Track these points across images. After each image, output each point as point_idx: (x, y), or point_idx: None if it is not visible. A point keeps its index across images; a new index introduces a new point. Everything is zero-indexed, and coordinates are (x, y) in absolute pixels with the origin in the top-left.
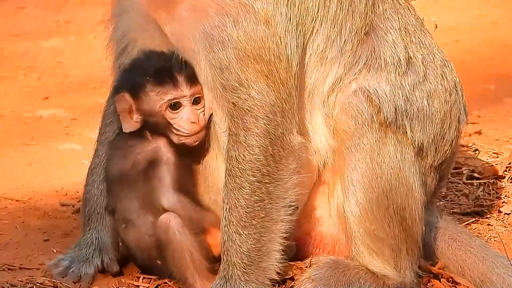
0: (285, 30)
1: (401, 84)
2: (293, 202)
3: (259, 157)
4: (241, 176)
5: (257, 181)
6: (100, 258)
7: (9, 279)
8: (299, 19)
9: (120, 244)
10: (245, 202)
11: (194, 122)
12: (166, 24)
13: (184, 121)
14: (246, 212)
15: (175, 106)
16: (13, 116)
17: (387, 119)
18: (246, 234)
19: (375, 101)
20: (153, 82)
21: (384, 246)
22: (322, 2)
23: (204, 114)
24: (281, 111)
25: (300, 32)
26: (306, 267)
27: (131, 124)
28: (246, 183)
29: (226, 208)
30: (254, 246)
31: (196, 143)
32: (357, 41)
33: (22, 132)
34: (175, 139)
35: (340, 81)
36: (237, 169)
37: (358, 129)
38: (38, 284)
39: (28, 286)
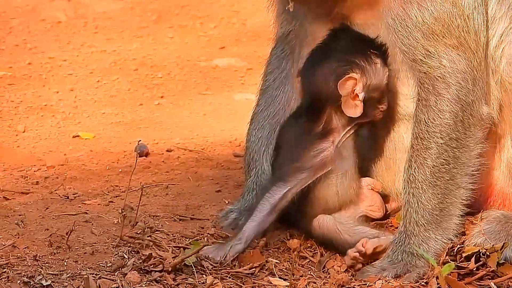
0: (473, 8)
1: None
2: (475, 171)
3: (448, 121)
4: (429, 139)
5: (444, 144)
6: None
7: (181, 230)
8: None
9: None
10: (432, 162)
11: None
12: (345, 11)
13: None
14: (432, 172)
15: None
16: (189, 65)
17: None
18: (431, 193)
19: None
20: (376, 53)
21: None
22: None
23: None
24: (473, 79)
25: (483, 6)
26: (477, 221)
27: (355, 109)
28: (434, 144)
29: (414, 167)
30: (437, 206)
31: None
32: None
33: (197, 81)
34: (374, 113)
35: (505, 35)
36: (425, 132)
37: None
38: (209, 235)
39: (199, 238)
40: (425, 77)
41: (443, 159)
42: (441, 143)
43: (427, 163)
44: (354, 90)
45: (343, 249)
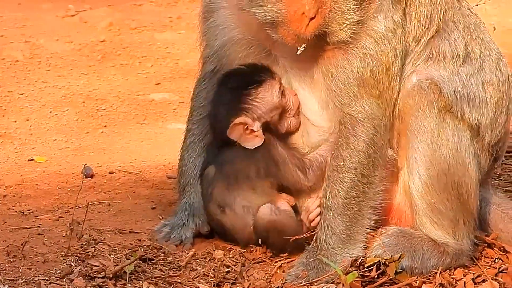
0: (397, 71)
1: (458, 72)
2: (378, 204)
3: (362, 160)
4: (345, 172)
5: (357, 179)
6: (194, 221)
7: (121, 242)
8: (404, 61)
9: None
10: (344, 194)
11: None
12: (282, 55)
13: (293, 98)
14: (344, 203)
15: (283, 92)
16: (130, 98)
17: (447, 101)
18: (340, 220)
19: (436, 85)
20: (255, 86)
21: (444, 217)
22: (419, 37)
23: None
24: (384, 126)
25: (401, 68)
26: (377, 235)
27: (255, 140)
28: (348, 179)
29: (328, 196)
30: (345, 231)
31: (297, 125)
32: (425, 45)
33: (136, 113)
34: (285, 125)
35: (406, 77)
36: (342, 166)
37: (420, 114)
38: (145, 246)
39: (137, 248)
40: (348, 118)
41: (354, 192)
42: (354, 178)
43: (340, 195)
44: (247, 127)
45: (287, 234)
